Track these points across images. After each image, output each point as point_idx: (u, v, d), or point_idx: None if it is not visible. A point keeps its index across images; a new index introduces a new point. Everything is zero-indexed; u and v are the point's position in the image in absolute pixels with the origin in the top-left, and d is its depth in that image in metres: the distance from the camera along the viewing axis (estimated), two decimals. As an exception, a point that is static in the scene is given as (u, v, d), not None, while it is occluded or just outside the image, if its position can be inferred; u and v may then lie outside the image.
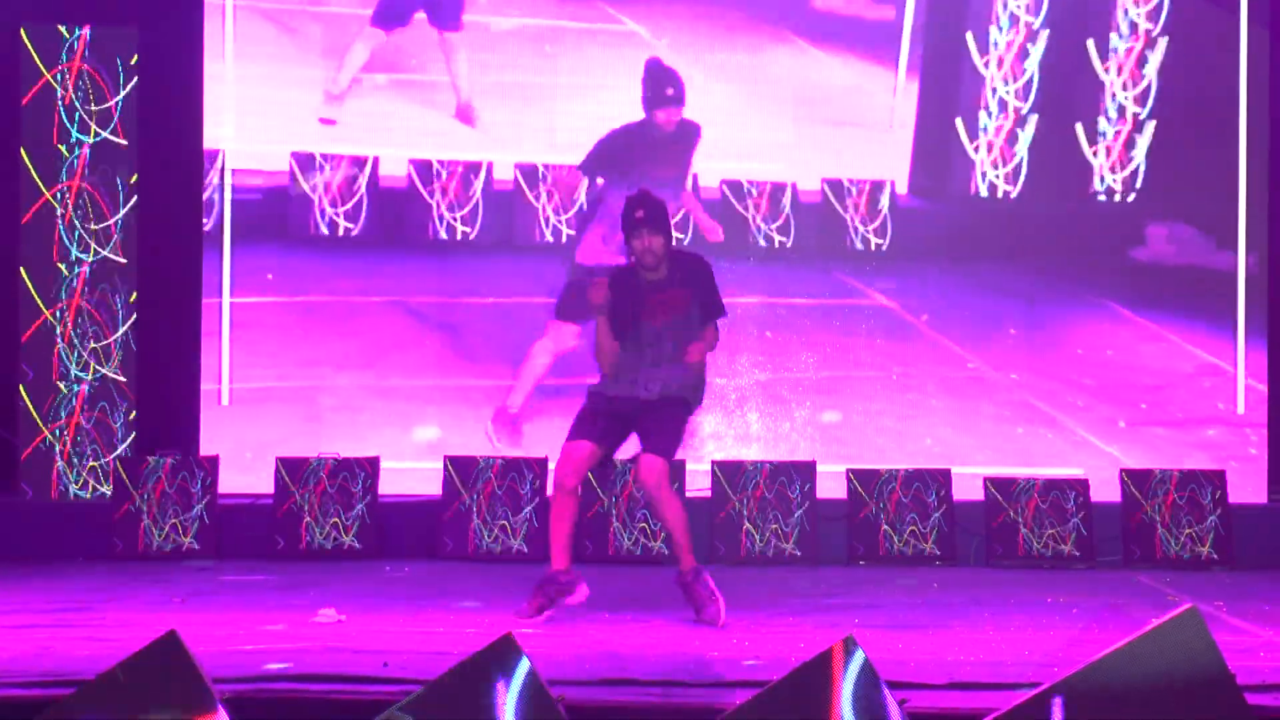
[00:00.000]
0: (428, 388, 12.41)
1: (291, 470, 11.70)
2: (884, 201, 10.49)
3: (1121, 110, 10.07)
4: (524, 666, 5.26)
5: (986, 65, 10.12)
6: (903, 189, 10.48)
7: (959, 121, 10.08)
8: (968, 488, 11.85)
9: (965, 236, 10.50)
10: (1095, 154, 9.93)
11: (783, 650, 7.71)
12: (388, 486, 11.82)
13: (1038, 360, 11.49)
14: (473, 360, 12.48)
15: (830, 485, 11.72)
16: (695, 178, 11.63)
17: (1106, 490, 11.92)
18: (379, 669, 6.85)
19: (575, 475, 8.78)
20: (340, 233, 12.41)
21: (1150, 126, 10.27)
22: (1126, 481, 11.86)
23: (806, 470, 11.69)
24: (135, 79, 12.04)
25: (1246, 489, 12.24)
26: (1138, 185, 10.18)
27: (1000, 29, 10.16)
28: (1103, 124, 10.08)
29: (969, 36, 10.25)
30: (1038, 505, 11.73)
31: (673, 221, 8.89)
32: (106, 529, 11.49)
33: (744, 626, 8.65)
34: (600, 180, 11.82)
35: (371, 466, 11.76)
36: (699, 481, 11.83)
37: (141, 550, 11.45)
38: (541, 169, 12.28)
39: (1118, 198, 10.22)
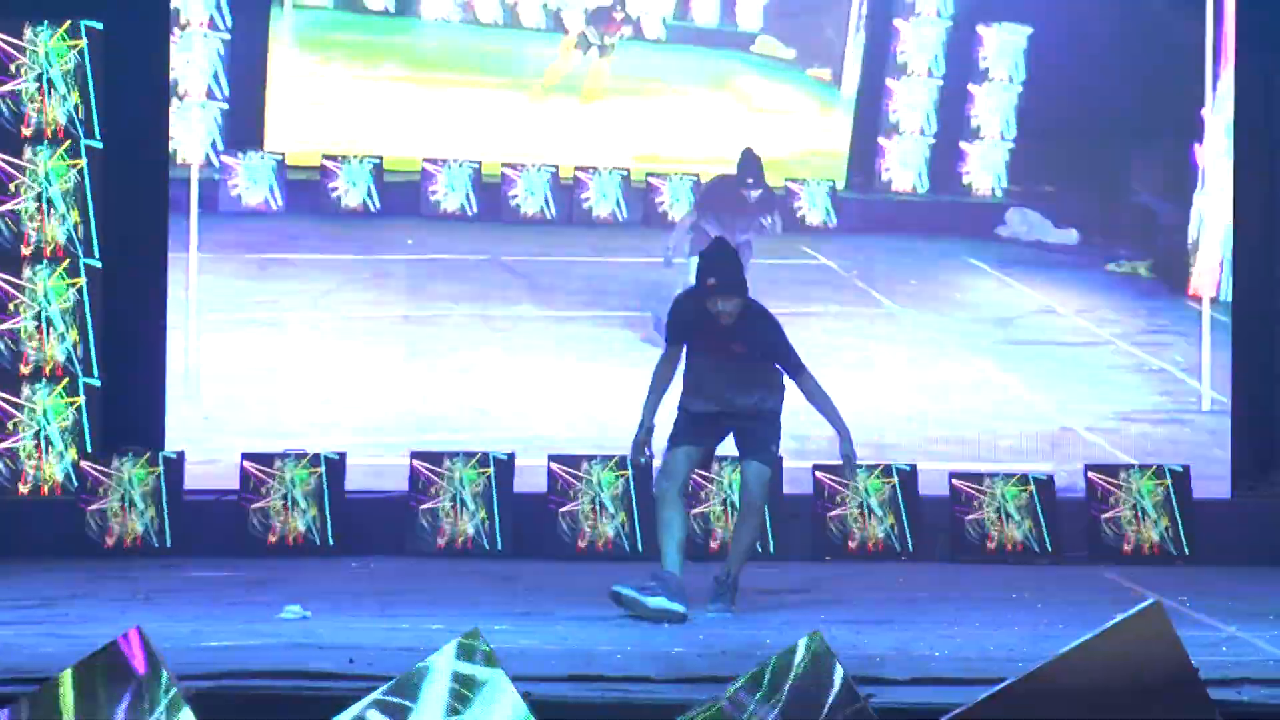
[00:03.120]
0: (399, 386, 12.40)
1: (257, 466, 11.67)
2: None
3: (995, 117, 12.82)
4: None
5: (899, 92, 12.86)
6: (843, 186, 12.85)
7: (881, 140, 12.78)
8: (934, 484, 11.88)
9: (886, 221, 12.89)
10: (972, 157, 12.78)
11: (749, 646, 7.72)
12: (354, 482, 11.80)
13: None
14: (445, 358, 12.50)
15: (796, 481, 11.75)
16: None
17: (1071, 485, 11.96)
18: (345, 665, 6.83)
19: (677, 480, 9.07)
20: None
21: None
22: (1091, 477, 11.89)
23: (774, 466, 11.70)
24: (99, 71, 11.99)
25: (1210, 484, 12.27)
26: (1005, 183, 12.78)
27: (910, 73, 12.82)
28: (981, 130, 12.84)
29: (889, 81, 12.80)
30: (1002, 501, 11.77)
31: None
32: (71, 525, 11.44)
33: (710, 623, 8.66)
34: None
35: (338, 462, 11.73)
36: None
37: (105, 547, 11.41)
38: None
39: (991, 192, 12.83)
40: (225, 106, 12.38)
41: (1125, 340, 12.74)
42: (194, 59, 12.32)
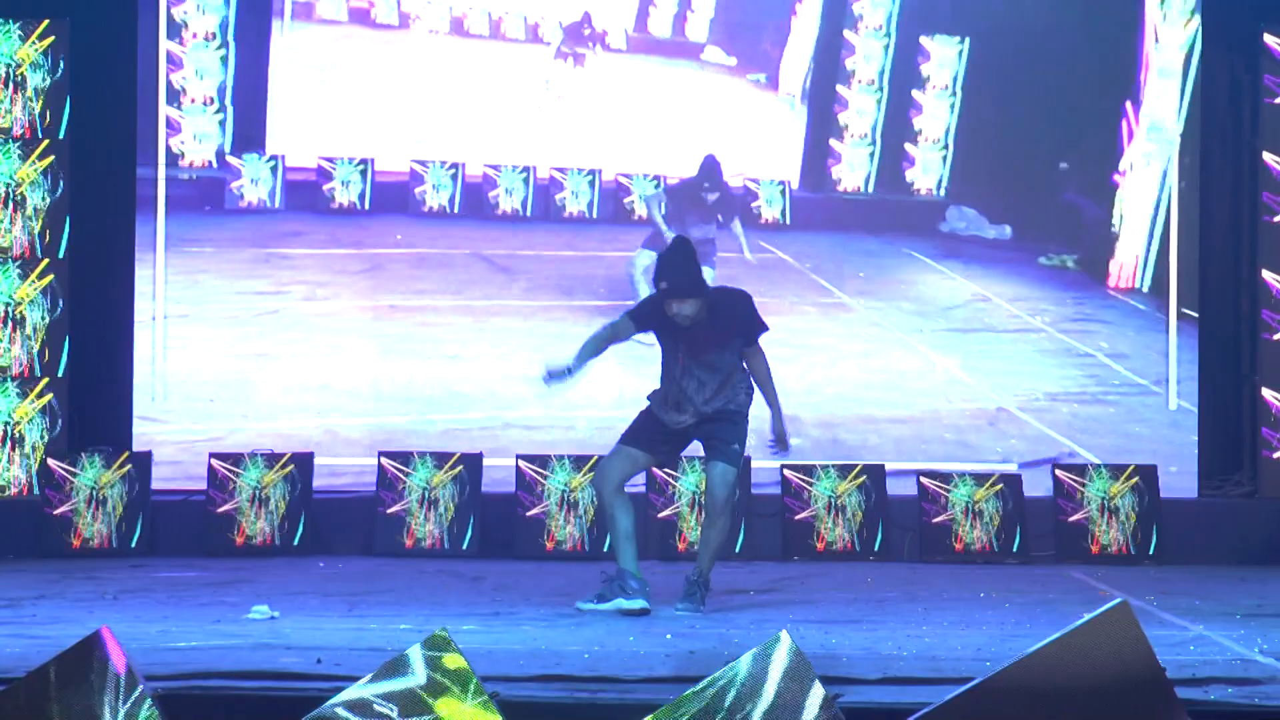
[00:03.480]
0: (365, 386, 12.43)
1: (225, 466, 11.66)
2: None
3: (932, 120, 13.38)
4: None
5: (848, 99, 13.39)
6: (796, 185, 13.37)
7: (832, 141, 13.34)
8: (901, 484, 11.92)
9: (837, 218, 13.36)
10: (915, 159, 13.32)
11: (717, 646, 7.72)
12: (322, 482, 11.79)
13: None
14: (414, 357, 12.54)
15: (765, 481, 11.78)
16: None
17: (1039, 485, 12.01)
18: (312, 666, 6.82)
19: (610, 482, 9.09)
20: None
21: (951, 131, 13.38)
22: (1058, 476, 11.93)
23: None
24: (67, 71, 11.97)
25: (1177, 483, 12.32)
26: (946, 183, 13.34)
27: (858, 82, 13.39)
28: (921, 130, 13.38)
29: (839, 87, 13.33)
30: (970, 501, 11.80)
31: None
32: (37, 526, 11.42)
33: (678, 622, 8.66)
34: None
35: (305, 462, 11.73)
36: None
37: (72, 547, 11.39)
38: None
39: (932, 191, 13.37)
40: (224, 113, 12.57)
41: (1054, 328, 13.10)
42: (201, 68, 12.45)
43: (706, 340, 8.99)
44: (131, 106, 12.32)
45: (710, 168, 12.91)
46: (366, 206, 12.79)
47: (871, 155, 13.20)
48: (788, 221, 13.12)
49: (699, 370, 9.01)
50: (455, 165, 12.85)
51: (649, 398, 9.21)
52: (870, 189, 13.23)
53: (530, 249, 12.92)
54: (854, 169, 13.21)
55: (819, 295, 13.01)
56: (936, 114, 13.21)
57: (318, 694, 5.88)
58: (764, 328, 9.12)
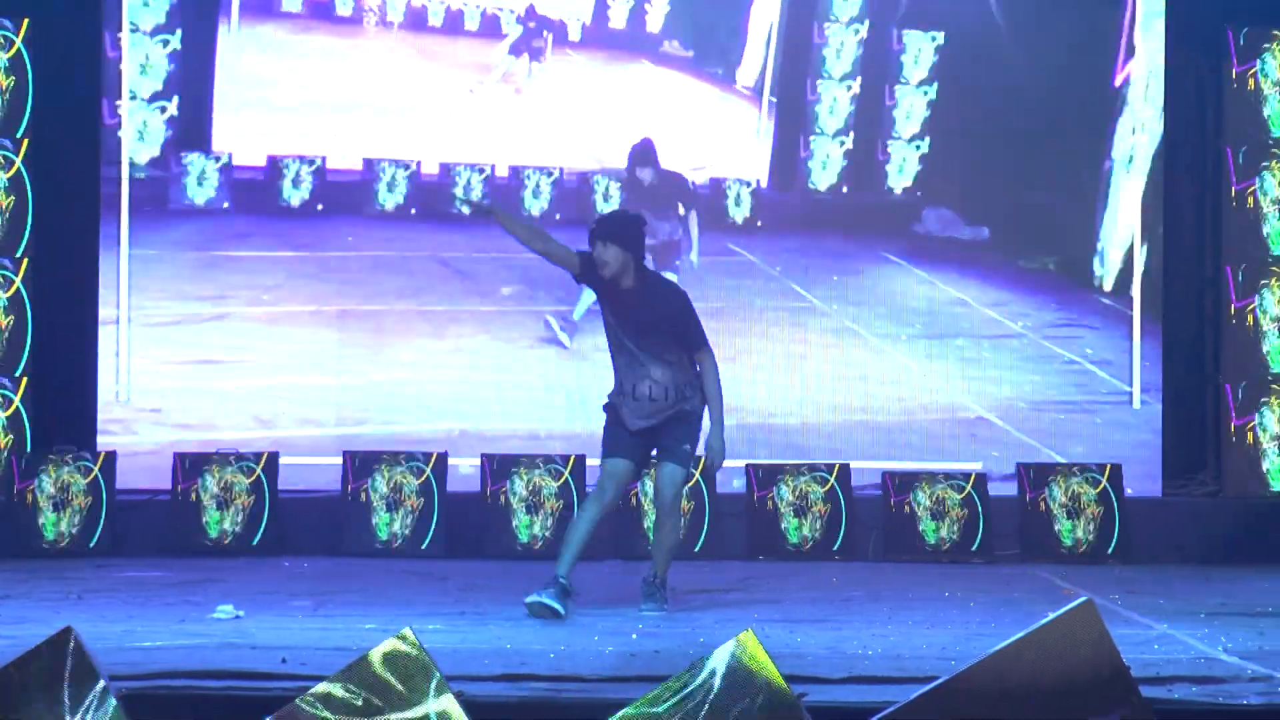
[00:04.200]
0: (339, 398, 12.42)
1: (190, 465, 11.63)
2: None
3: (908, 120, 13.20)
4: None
5: (820, 94, 13.22)
6: (766, 184, 13.17)
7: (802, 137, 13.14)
8: (867, 482, 11.94)
9: (806, 218, 13.15)
10: (888, 159, 13.14)
11: (682, 645, 7.73)
12: (288, 480, 11.76)
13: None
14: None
15: (730, 480, 11.79)
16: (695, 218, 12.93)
17: (1004, 484, 12.03)
18: (277, 665, 6.82)
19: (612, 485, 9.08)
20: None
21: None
22: (1023, 475, 11.96)
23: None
24: (25, 63, 11.92)
25: (1141, 483, 12.35)
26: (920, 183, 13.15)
27: (830, 76, 13.18)
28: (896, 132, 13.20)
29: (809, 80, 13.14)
30: (935, 499, 11.82)
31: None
32: (1, 526, 11.37)
33: (643, 622, 8.66)
34: None
35: (271, 461, 11.70)
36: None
37: (37, 547, 11.35)
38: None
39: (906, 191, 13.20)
40: (170, 110, 12.41)
41: (1035, 333, 12.98)
42: (144, 63, 12.32)
43: (644, 322, 8.92)
44: (97, 104, 12.27)
45: (638, 151, 12.64)
46: (319, 207, 12.57)
47: (843, 153, 13.01)
48: (757, 221, 12.93)
49: (644, 355, 8.93)
50: (408, 164, 12.63)
51: (606, 405, 9.18)
52: (842, 188, 13.02)
53: (486, 252, 12.63)
54: (825, 168, 13.03)
55: (789, 298, 12.87)
56: (910, 111, 13.04)
57: (283, 693, 5.88)
58: (700, 338, 9.05)
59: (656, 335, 8.95)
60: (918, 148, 13.05)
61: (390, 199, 12.59)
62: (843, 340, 12.84)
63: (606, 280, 8.92)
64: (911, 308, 12.95)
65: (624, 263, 8.87)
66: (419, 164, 12.69)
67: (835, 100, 13.07)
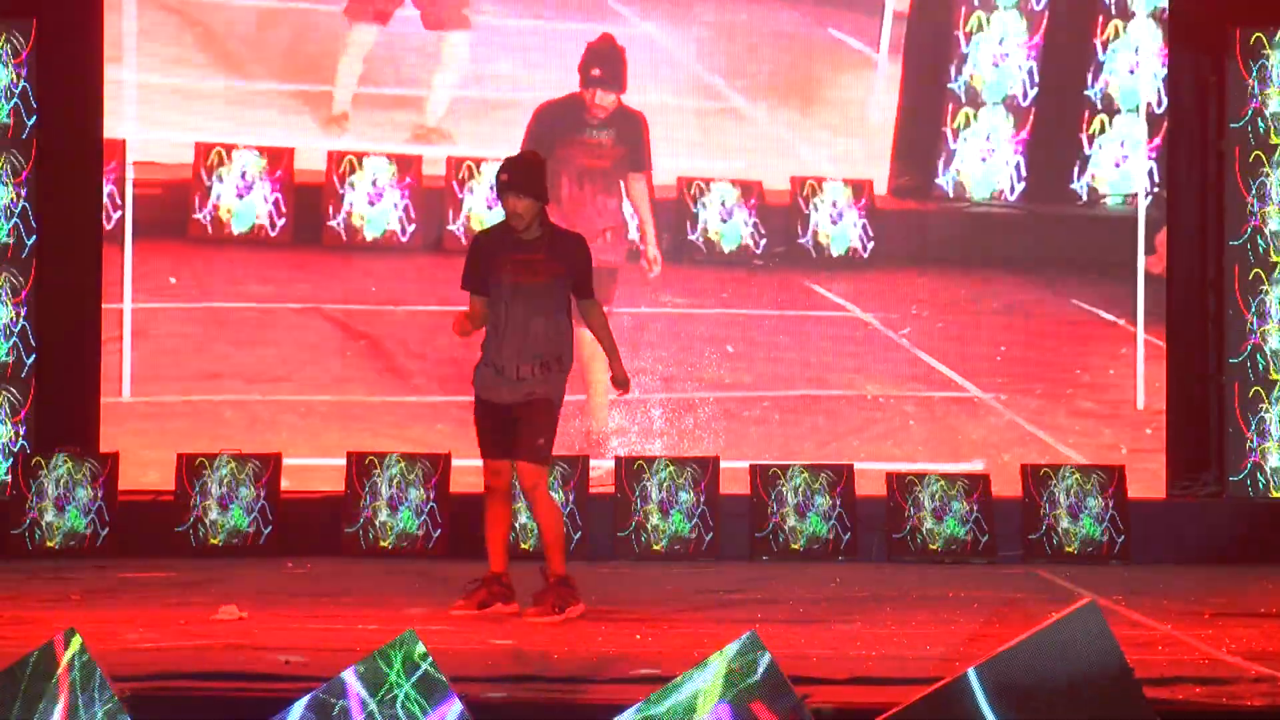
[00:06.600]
0: (340, 399, 12.41)
1: (192, 466, 11.63)
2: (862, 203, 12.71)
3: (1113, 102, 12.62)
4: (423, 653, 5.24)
5: (975, 55, 12.45)
6: (882, 189, 12.64)
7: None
8: (870, 483, 11.93)
9: (952, 242, 12.76)
10: (1090, 151, 12.55)
11: (685, 646, 7.72)
12: (290, 482, 11.76)
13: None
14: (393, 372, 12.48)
15: (733, 481, 11.79)
16: (649, 180, 12.18)
17: (1007, 485, 12.02)
18: (280, 666, 6.82)
19: (500, 478, 8.87)
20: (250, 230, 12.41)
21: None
22: (1026, 476, 11.95)
23: (710, 466, 11.73)
24: (32, 70, 11.92)
25: (1145, 484, 12.35)
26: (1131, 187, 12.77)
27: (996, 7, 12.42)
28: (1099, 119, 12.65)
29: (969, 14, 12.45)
30: (938, 500, 11.82)
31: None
32: (3, 526, 11.38)
33: (646, 623, 8.66)
34: None
35: (273, 463, 11.70)
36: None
37: (39, 547, 11.35)
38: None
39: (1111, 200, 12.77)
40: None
41: (1039, 334, 12.85)
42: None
43: (538, 266, 8.63)
44: (98, 104, 12.26)
45: (598, 49, 11.51)
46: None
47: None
48: (865, 238, 12.43)
49: (523, 308, 8.64)
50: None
51: (475, 379, 8.89)
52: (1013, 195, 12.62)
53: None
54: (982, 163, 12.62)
55: (793, 291, 12.67)
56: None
57: (285, 694, 5.87)
58: (591, 287, 8.81)
59: (549, 279, 8.67)
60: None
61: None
62: (845, 337, 12.76)
63: (503, 239, 8.69)
64: (912, 307, 12.89)
65: (534, 215, 8.64)
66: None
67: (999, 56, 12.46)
